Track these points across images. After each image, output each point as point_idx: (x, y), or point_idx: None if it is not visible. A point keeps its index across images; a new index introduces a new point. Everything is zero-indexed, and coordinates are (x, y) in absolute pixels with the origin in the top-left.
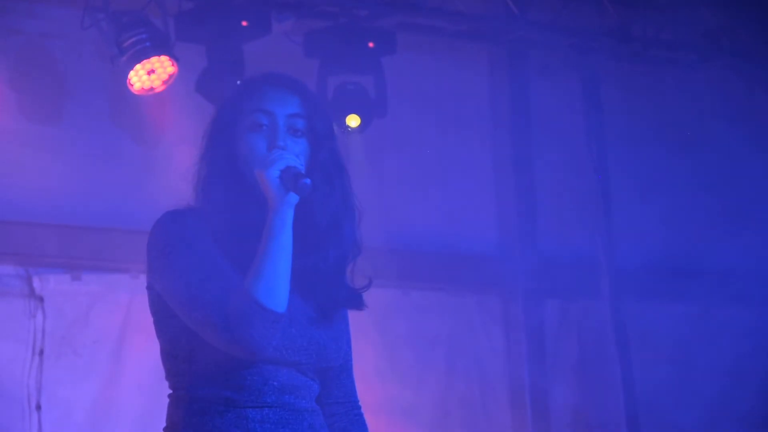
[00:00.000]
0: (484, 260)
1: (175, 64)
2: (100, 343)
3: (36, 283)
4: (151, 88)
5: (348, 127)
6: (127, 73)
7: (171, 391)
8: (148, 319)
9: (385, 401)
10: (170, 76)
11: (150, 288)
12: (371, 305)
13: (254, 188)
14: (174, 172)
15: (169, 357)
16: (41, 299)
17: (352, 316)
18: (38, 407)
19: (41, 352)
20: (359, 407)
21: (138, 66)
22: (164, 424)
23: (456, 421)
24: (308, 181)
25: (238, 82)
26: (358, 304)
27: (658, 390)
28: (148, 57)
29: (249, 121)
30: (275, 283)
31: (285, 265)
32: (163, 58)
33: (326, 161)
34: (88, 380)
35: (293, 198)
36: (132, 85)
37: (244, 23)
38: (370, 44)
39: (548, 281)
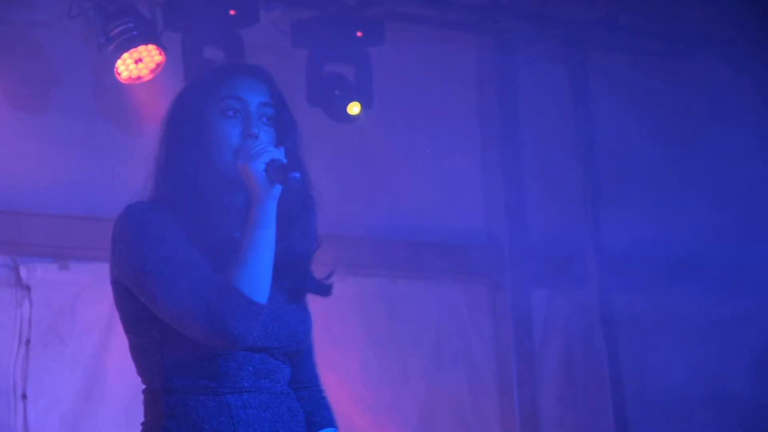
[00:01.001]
0: (472, 249)
1: (162, 53)
2: (87, 332)
3: (23, 272)
4: (139, 77)
5: (349, 115)
6: (115, 62)
7: (145, 386)
8: None
9: (371, 390)
10: (158, 65)
11: (115, 283)
12: (358, 295)
13: (224, 174)
14: None
15: (139, 351)
16: (28, 288)
17: (339, 305)
18: (24, 396)
19: (28, 342)
20: (323, 390)
21: (125, 55)
22: (144, 418)
23: (443, 410)
24: (297, 174)
25: (205, 71)
26: (326, 291)
27: (645, 380)
28: (135, 46)
29: (220, 107)
30: (259, 275)
31: (269, 258)
32: (151, 47)
33: (292, 151)
34: (75, 370)
35: (277, 191)
36: (119, 74)
37: (232, 12)
38: (359, 34)
39: (536, 271)
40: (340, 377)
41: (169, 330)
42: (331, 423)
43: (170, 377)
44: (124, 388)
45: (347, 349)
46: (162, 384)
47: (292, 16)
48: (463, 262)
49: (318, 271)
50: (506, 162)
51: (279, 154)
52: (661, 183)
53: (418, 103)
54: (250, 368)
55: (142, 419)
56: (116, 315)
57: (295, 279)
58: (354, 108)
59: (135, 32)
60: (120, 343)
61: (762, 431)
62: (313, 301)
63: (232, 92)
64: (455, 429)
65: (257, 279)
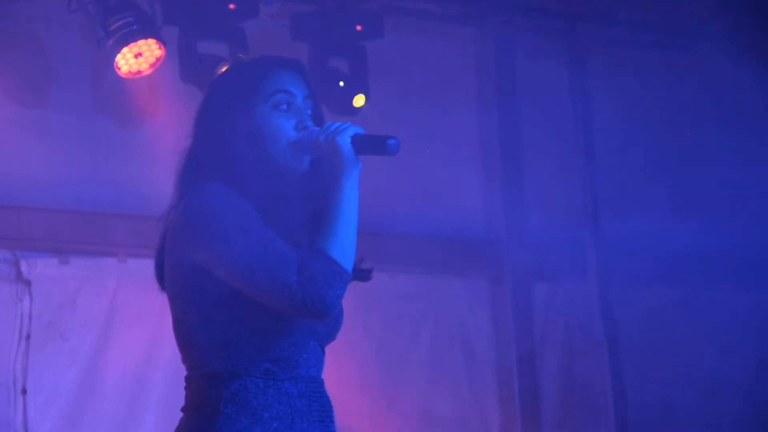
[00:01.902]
0: (471, 243)
1: (162, 47)
2: (87, 327)
3: (23, 267)
4: (139, 72)
5: (352, 107)
6: (114, 56)
7: (197, 370)
8: (135, 303)
9: (371, 384)
10: (157, 59)
11: (183, 263)
12: (357, 289)
13: (279, 165)
14: (160, 156)
15: (197, 331)
16: (28, 283)
17: None
18: (24, 391)
19: (28, 337)
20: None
21: (125, 49)
22: (188, 404)
23: (443, 405)
24: (394, 140)
25: (237, 63)
26: (367, 276)
27: (645, 373)
28: (135, 40)
29: (272, 101)
30: (349, 244)
31: (355, 227)
32: (150, 41)
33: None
34: (75, 364)
35: (359, 164)
36: (119, 69)
37: (232, 6)
38: (358, 27)
39: (536, 264)
40: (339, 372)
41: (236, 309)
42: None
43: (232, 359)
44: (123, 383)
45: (346, 344)
46: (223, 366)
47: (291, 9)
48: (462, 256)
49: None
50: (505, 156)
51: (359, 129)
52: (660, 176)
53: (417, 97)
54: (305, 355)
55: (141, 412)
56: (116, 309)
57: None
58: (359, 100)
59: (135, 26)
60: (120, 337)
61: (762, 425)
62: None
63: (281, 86)
64: (455, 423)
65: (348, 247)
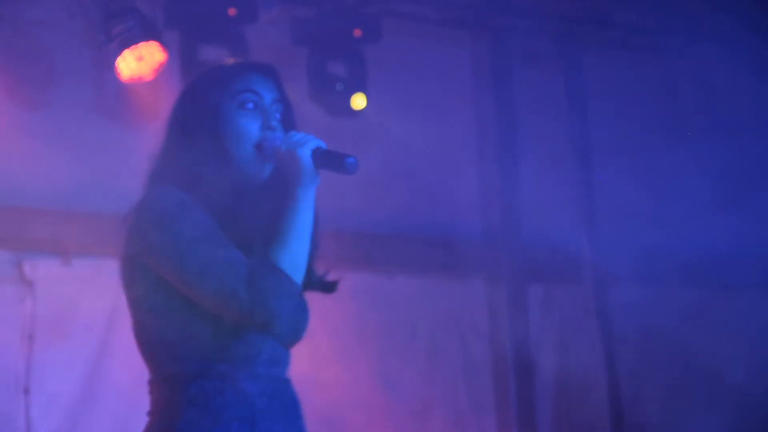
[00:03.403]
0: (468, 245)
1: (164, 50)
2: (89, 327)
3: (26, 268)
4: (141, 76)
5: (352, 110)
6: (116, 59)
7: (154, 374)
8: None
9: (368, 385)
10: (159, 63)
11: (132, 260)
12: (355, 290)
13: (241, 165)
14: None
15: (153, 335)
16: (31, 284)
17: (334, 301)
18: (26, 391)
19: (31, 337)
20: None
21: (127, 52)
22: (152, 408)
23: (439, 405)
24: (353, 159)
25: (212, 65)
26: (331, 288)
27: (641, 376)
28: (136, 43)
29: (238, 100)
30: (300, 257)
31: (308, 240)
32: (152, 44)
33: None
34: (77, 365)
35: (318, 178)
36: (120, 72)
37: (232, 11)
38: (356, 31)
39: (532, 266)
40: (335, 373)
41: (188, 312)
42: None
43: (188, 362)
44: (126, 383)
45: (343, 345)
46: (180, 369)
47: (291, 14)
48: (458, 257)
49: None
50: (502, 157)
51: (321, 143)
52: (657, 178)
53: (415, 100)
54: (264, 355)
55: (144, 413)
56: (119, 310)
57: (306, 274)
58: (359, 101)
59: (136, 30)
60: (122, 338)
61: (759, 427)
62: (309, 297)
63: (248, 86)
64: (452, 424)
65: (298, 261)
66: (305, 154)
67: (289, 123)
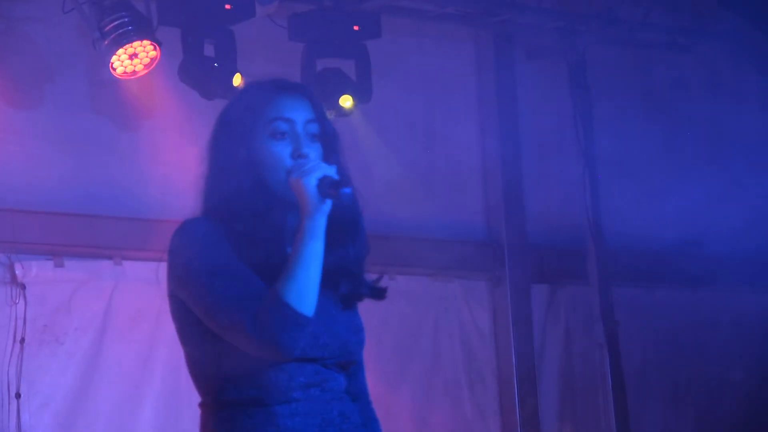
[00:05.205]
0: (471, 245)
1: (157, 48)
2: (82, 330)
3: (18, 270)
4: (134, 73)
5: (342, 109)
6: (109, 57)
7: (201, 400)
8: (131, 306)
9: (371, 384)
10: (152, 60)
11: (172, 296)
12: (370, 299)
13: (276, 195)
14: (156, 158)
15: (195, 365)
16: (23, 286)
17: None
18: (18, 395)
19: (22, 340)
20: (371, 403)
21: (120, 50)
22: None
23: (442, 406)
24: (349, 189)
25: (243, 87)
26: (381, 294)
27: (645, 375)
28: (130, 41)
29: (269, 129)
30: (307, 288)
31: (316, 271)
32: (146, 42)
33: (339, 162)
34: (69, 368)
35: (327, 206)
36: (114, 70)
37: (228, 6)
38: (355, 27)
39: (536, 266)
40: None
41: (221, 343)
42: None
43: (222, 391)
44: (119, 387)
45: None
46: (215, 397)
47: (288, 9)
48: (462, 258)
49: None
50: (505, 157)
51: (331, 171)
52: (661, 178)
53: (416, 97)
54: (302, 379)
55: (135, 416)
56: (111, 312)
57: (351, 285)
58: (346, 102)
59: (130, 27)
60: (115, 340)
61: (763, 428)
62: None
63: (279, 113)
64: (455, 425)
65: (304, 292)
66: (310, 183)
67: (327, 138)
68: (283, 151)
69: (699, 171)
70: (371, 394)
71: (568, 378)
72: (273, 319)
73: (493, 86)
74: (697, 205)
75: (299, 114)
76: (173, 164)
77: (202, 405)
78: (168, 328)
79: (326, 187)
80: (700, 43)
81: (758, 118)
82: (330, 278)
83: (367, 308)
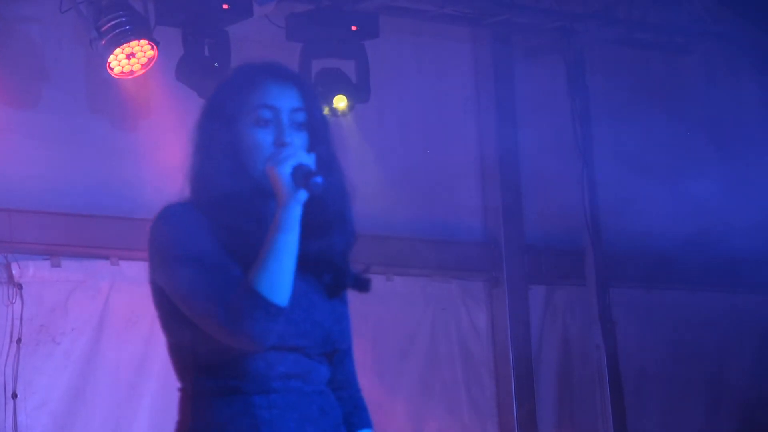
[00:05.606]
0: (469, 245)
1: (154, 47)
2: (79, 330)
3: (15, 269)
4: (131, 72)
5: (336, 109)
6: (107, 57)
7: (180, 386)
8: (127, 306)
9: (367, 385)
10: (150, 60)
11: (152, 282)
12: (353, 291)
13: (257, 182)
14: (153, 157)
15: (174, 352)
16: (20, 286)
17: None
18: (14, 395)
19: (19, 340)
20: (360, 391)
21: (117, 50)
22: (177, 418)
23: (439, 407)
24: (320, 179)
25: (233, 69)
26: (365, 286)
27: (643, 376)
28: (127, 41)
29: (253, 116)
30: (280, 278)
31: (290, 261)
32: (143, 42)
33: (326, 151)
34: (67, 368)
35: (303, 195)
36: (111, 70)
37: (225, 6)
38: (353, 27)
39: (533, 267)
40: None
41: (200, 332)
42: (368, 424)
43: (201, 378)
44: (115, 387)
45: None
46: (193, 385)
47: (286, 9)
48: (459, 258)
49: None
50: (503, 157)
51: (307, 159)
52: (660, 178)
53: (414, 97)
54: (281, 369)
55: (131, 416)
56: (108, 312)
57: (335, 274)
58: (340, 102)
59: (127, 27)
60: (112, 339)
61: (762, 429)
62: None
63: (263, 100)
64: (452, 425)
65: (277, 281)
66: (284, 171)
67: (315, 127)
68: (265, 138)
69: (697, 171)
70: (370, 395)
71: (565, 379)
72: (244, 309)
73: (492, 86)
74: (696, 205)
75: (285, 102)
76: (170, 164)
77: (181, 390)
78: None
79: (300, 176)
80: (699, 43)
81: (757, 118)
82: (313, 267)
83: (365, 308)
